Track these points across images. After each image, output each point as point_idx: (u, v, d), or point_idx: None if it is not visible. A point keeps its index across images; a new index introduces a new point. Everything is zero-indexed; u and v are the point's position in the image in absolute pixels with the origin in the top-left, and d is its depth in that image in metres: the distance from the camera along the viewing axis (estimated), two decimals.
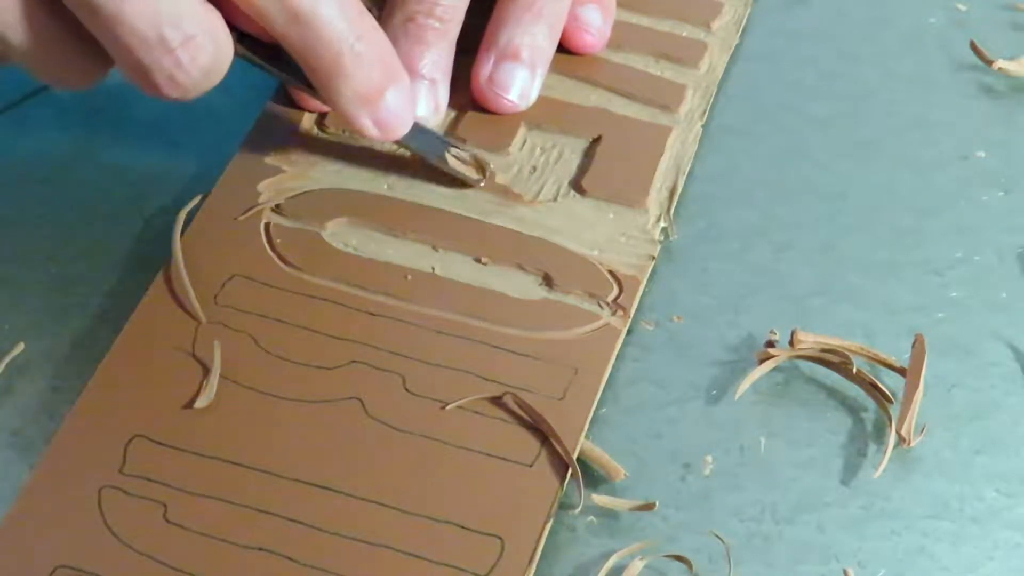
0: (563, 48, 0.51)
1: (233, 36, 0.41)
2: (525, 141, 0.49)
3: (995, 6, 0.57)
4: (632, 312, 0.44)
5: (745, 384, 0.43)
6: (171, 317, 0.43)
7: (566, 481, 0.40)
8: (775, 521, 0.40)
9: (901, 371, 0.43)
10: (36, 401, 0.42)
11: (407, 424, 0.41)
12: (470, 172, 0.47)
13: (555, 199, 0.47)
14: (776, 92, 0.53)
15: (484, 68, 0.49)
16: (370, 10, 0.50)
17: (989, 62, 0.53)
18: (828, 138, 0.51)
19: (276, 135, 0.48)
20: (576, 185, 0.48)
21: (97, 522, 0.38)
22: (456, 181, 0.47)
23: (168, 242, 0.44)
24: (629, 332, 0.44)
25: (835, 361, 0.43)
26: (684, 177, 0.49)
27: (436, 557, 0.38)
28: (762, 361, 0.43)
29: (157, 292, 0.43)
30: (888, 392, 0.43)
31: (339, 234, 0.46)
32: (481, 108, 0.50)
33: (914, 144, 0.51)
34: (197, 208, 0.46)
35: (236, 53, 0.42)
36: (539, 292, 0.45)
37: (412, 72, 0.47)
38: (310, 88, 0.44)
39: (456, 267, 0.45)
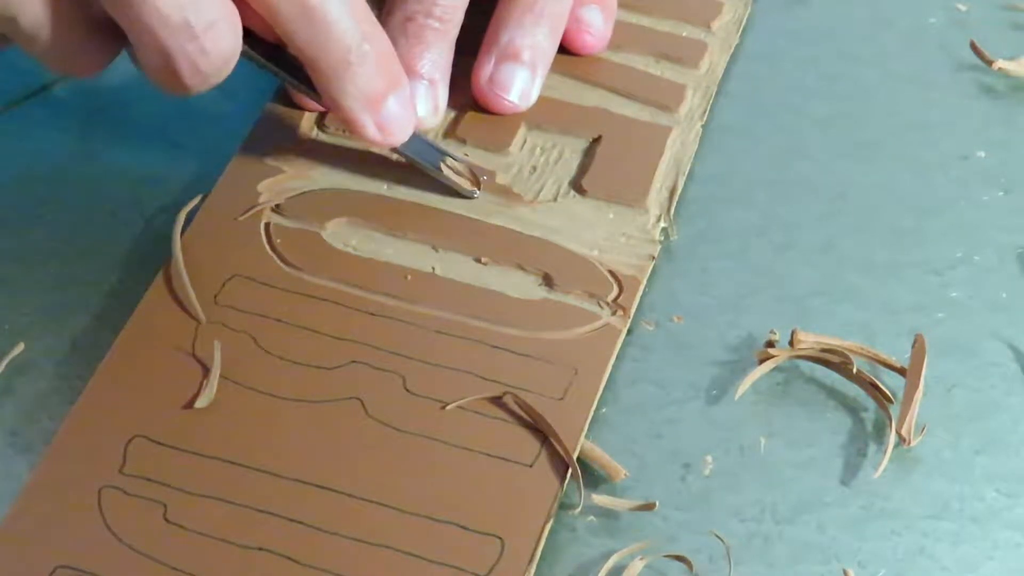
0: (564, 49, 0.51)
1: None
2: (525, 141, 0.49)
3: (995, 6, 0.57)
4: (632, 312, 0.44)
5: (745, 384, 0.43)
6: (171, 317, 0.43)
7: (566, 481, 0.40)
8: (775, 521, 0.40)
9: (901, 371, 0.43)
10: (36, 401, 0.42)
11: (407, 424, 0.41)
12: (464, 183, 0.47)
13: (555, 199, 0.47)
14: (776, 92, 0.53)
15: (485, 69, 0.49)
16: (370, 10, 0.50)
17: (989, 62, 0.54)
18: (828, 138, 0.51)
19: (276, 135, 0.48)
20: (576, 185, 0.48)
21: (97, 522, 0.38)
22: (451, 190, 0.47)
23: (168, 242, 0.44)
24: (629, 332, 0.44)
25: (835, 361, 0.43)
26: (684, 177, 0.49)
27: (436, 557, 0.38)
28: (762, 361, 0.43)
29: (157, 292, 0.43)
30: (888, 392, 0.43)
31: (339, 234, 0.46)
32: (481, 108, 0.50)
33: (914, 144, 0.51)
34: (197, 208, 0.46)
35: (241, 53, 0.42)
36: (539, 292, 0.45)
37: (411, 72, 0.47)
38: (310, 89, 0.44)
39: (456, 267, 0.45)
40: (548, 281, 0.45)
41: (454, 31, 0.48)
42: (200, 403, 0.40)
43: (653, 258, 0.46)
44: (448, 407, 0.41)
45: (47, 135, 0.50)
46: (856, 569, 0.39)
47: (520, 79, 0.49)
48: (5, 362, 0.42)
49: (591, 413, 0.41)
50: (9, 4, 0.39)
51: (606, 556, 0.39)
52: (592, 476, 0.41)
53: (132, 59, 0.42)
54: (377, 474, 0.39)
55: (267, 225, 0.46)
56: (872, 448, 0.42)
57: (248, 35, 0.43)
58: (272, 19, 0.42)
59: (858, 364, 0.43)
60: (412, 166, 0.47)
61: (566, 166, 0.49)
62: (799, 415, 0.43)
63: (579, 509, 0.40)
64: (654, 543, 0.39)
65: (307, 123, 0.49)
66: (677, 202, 0.48)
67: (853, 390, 0.43)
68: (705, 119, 0.51)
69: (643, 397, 0.43)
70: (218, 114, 0.46)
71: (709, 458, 0.41)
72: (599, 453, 0.41)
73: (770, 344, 0.44)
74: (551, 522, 0.39)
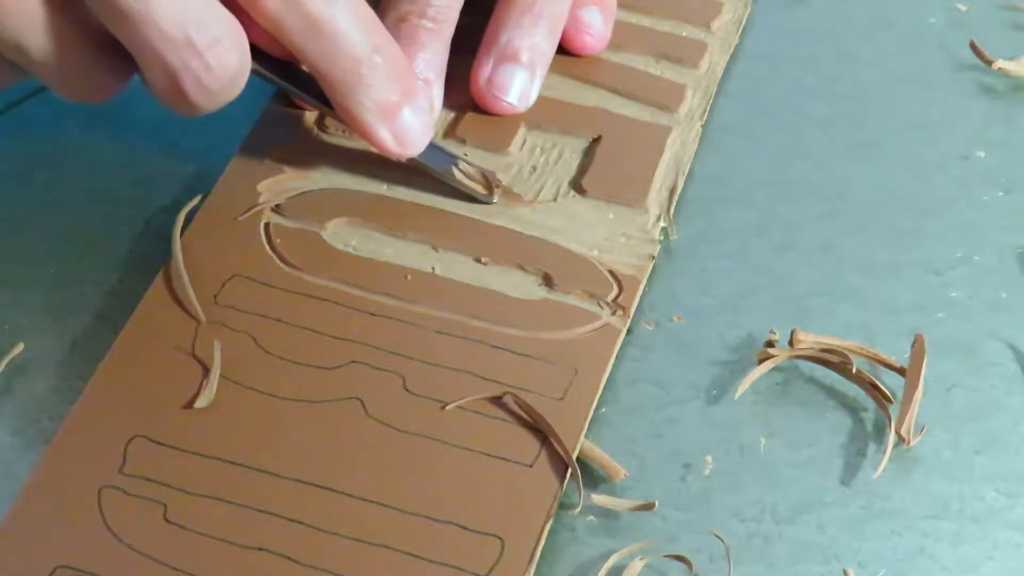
0: (563, 49, 0.51)
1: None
2: (525, 141, 0.49)
3: (995, 6, 0.57)
4: (632, 312, 0.44)
5: (745, 384, 0.43)
6: (171, 317, 0.43)
7: (566, 481, 0.40)
8: (775, 521, 0.40)
9: (901, 371, 0.43)
10: (36, 401, 0.42)
11: (407, 424, 0.41)
12: (478, 187, 0.47)
13: (555, 199, 0.47)
14: (776, 92, 0.53)
15: (483, 70, 0.49)
16: None
17: (989, 62, 0.54)
18: (828, 138, 0.51)
19: (276, 135, 0.48)
20: (576, 185, 0.48)
21: (97, 522, 0.38)
22: (464, 195, 0.47)
23: (168, 242, 0.44)
24: (629, 332, 0.44)
25: (835, 361, 0.43)
26: (684, 177, 0.49)
27: (436, 557, 0.38)
28: (762, 361, 0.43)
29: (157, 292, 0.43)
30: (888, 392, 0.43)
31: (339, 234, 0.46)
32: (481, 109, 0.49)
33: (914, 144, 0.51)
34: (197, 208, 0.46)
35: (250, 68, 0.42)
36: (539, 292, 0.45)
37: None
38: (324, 103, 0.44)
39: (456, 267, 0.45)
40: (548, 281, 0.45)
41: (449, 31, 0.48)
42: (200, 403, 0.40)
43: (653, 258, 0.46)
44: (448, 407, 0.41)
45: (47, 135, 0.50)
46: (856, 569, 0.39)
47: (519, 80, 0.49)
48: (5, 362, 0.42)
49: (591, 413, 0.41)
50: (16, 30, 0.40)
51: (606, 556, 0.39)
52: (592, 476, 0.41)
53: (142, 80, 0.42)
54: (377, 474, 0.39)
55: (267, 225, 0.46)
56: (872, 448, 0.42)
57: (258, 52, 0.43)
58: (279, 34, 0.42)
59: (858, 364, 0.43)
60: (415, 167, 0.47)
61: (566, 166, 0.49)
62: (799, 415, 0.43)
63: (579, 509, 0.40)
64: (654, 543, 0.39)
65: (307, 123, 0.49)
66: (677, 202, 0.48)
67: (853, 390, 0.43)
68: (705, 119, 0.51)
69: (643, 397, 0.43)
70: (218, 114, 0.46)
71: (709, 458, 0.41)
72: (599, 453, 0.41)
73: (770, 344, 0.44)
74: (551, 522, 0.39)
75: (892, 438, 0.42)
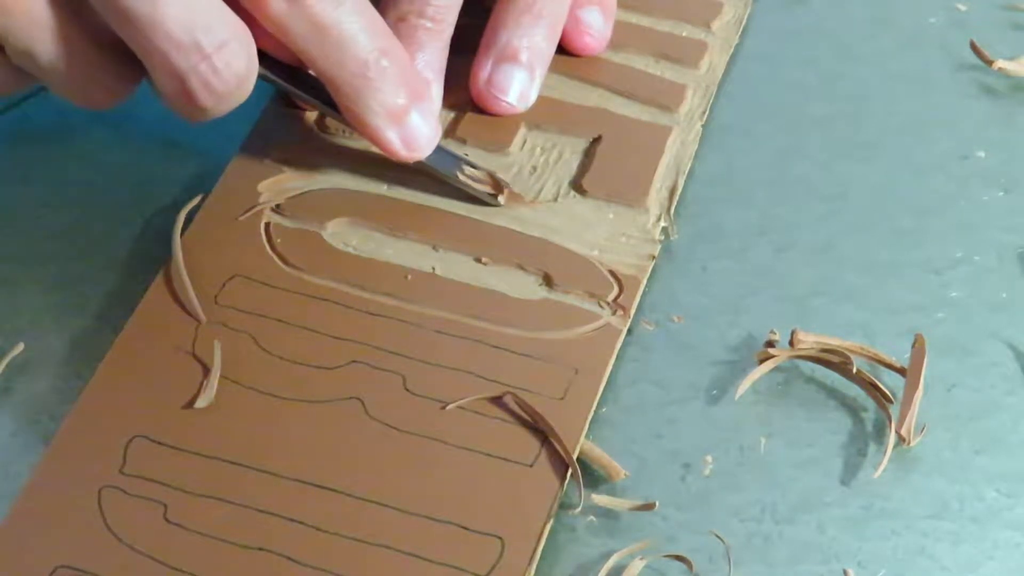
0: (563, 49, 0.51)
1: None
2: (525, 141, 0.49)
3: (995, 6, 0.57)
4: (632, 312, 0.44)
5: (745, 384, 0.43)
6: (171, 317, 0.43)
7: (566, 481, 0.40)
8: (775, 521, 0.40)
9: (901, 371, 0.43)
10: (36, 401, 0.42)
11: (407, 424, 0.41)
12: (486, 190, 0.47)
13: (555, 199, 0.47)
14: (776, 92, 0.53)
15: (483, 70, 0.49)
16: None
17: (989, 62, 0.54)
18: (828, 138, 0.51)
19: (276, 135, 0.48)
20: (576, 185, 0.48)
21: (97, 522, 0.38)
22: (473, 198, 0.47)
23: (168, 242, 0.44)
24: (629, 332, 0.44)
25: (835, 361, 0.43)
26: (684, 177, 0.49)
27: (436, 557, 0.38)
28: (762, 361, 0.43)
29: (157, 292, 0.43)
30: (888, 392, 0.43)
31: (339, 234, 0.46)
32: (481, 109, 0.49)
33: (914, 144, 0.51)
34: (197, 208, 0.46)
35: (259, 74, 0.42)
36: (539, 292, 0.45)
37: None
38: (332, 108, 0.44)
39: (456, 267, 0.45)
40: (548, 281, 0.45)
41: (448, 31, 0.48)
42: (200, 403, 0.40)
43: (653, 258, 0.46)
44: (448, 407, 0.41)
45: (47, 135, 0.50)
46: (856, 569, 0.39)
47: (518, 80, 0.49)
48: (5, 362, 0.42)
49: (591, 413, 0.41)
50: (24, 35, 0.40)
51: (606, 556, 0.39)
52: (592, 476, 0.41)
53: (151, 86, 0.42)
54: (377, 474, 0.39)
55: (267, 225, 0.46)
56: (872, 448, 0.42)
57: (266, 56, 0.43)
58: (286, 39, 0.42)
59: (858, 364, 0.43)
60: (421, 170, 0.46)
61: (566, 166, 0.49)
62: (799, 415, 0.43)
63: (579, 509, 0.40)
64: (654, 543, 0.39)
65: (307, 123, 0.49)
66: (677, 202, 0.48)
67: (853, 390, 0.43)
68: (705, 119, 0.51)
69: (643, 397, 0.43)
70: None
71: (709, 458, 0.41)
72: (599, 453, 0.41)
73: (770, 344, 0.44)
74: (551, 522, 0.39)
75: (892, 438, 0.42)
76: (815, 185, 0.50)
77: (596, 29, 0.52)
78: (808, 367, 0.44)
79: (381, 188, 0.47)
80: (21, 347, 0.43)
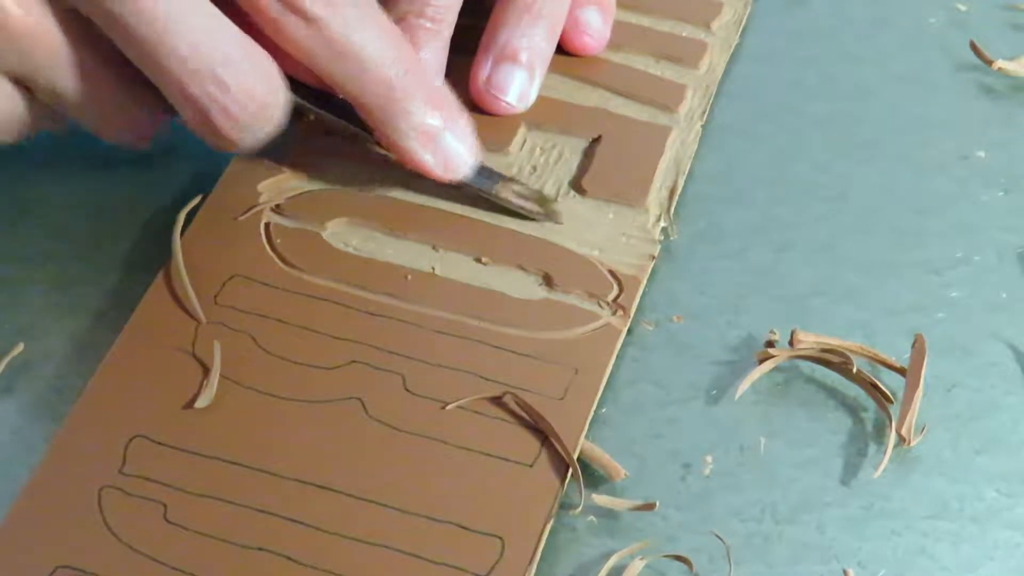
0: (563, 49, 0.51)
1: (287, 85, 0.42)
2: (525, 141, 0.49)
3: (995, 6, 0.57)
4: (632, 312, 0.44)
5: (745, 384, 0.43)
6: (171, 317, 0.43)
7: (566, 481, 0.40)
8: (775, 521, 0.40)
9: (901, 371, 0.43)
10: (36, 401, 0.42)
11: (407, 424, 0.41)
12: (528, 204, 0.46)
13: (555, 199, 0.47)
14: (776, 92, 0.53)
15: (482, 70, 0.49)
16: None
17: (989, 62, 0.54)
18: (828, 138, 0.51)
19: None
20: (576, 185, 0.48)
21: (97, 522, 0.38)
22: (512, 212, 0.46)
23: (168, 242, 0.44)
24: (629, 332, 0.44)
25: (835, 361, 0.43)
26: (684, 177, 0.49)
27: (436, 557, 0.38)
28: (762, 361, 0.43)
29: (157, 292, 0.43)
30: (888, 392, 0.43)
31: (339, 234, 0.46)
32: (480, 109, 0.49)
33: (914, 144, 0.51)
34: (197, 208, 0.46)
35: (293, 102, 0.42)
36: (539, 292, 0.45)
37: None
38: (368, 133, 0.44)
39: (456, 267, 0.45)
40: (548, 281, 0.45)
41: (447, 31, 0.48)
42: (200, 403, 0.40)
43: (653, 258, 0.46)
44: (448, 407, 0.41)
45: (47, 135, 0.50)
46: (856, 569, 0.39)
47: (518, 80, 0.49)
48: (5, 362, 0.42)
49: (591, 413, 0.41)
50: (50, 74, 0.40)
51: (606, 556, 0.39)
52: (592, 476, 0.41)
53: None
54: (377, 474, 0.39)
55: (267, 225, 0.46)
56: (872, 448, 0.42)
57: (302, 87, 0.43)
58: (309, 63, 0.42)
59: (858, 364, 0.43)
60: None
61: (566, 166, 0.49)
62: (799, 415, 0.43)
63: (579, 509, 0.40)
64: (654, 543, 0.39)
65: (307, 123, 0.49)
66: (677, 202, 0.48)
67: (853, 390, 0.43)
68: (705, 119, 0.51)
69: (643, 397, 0.43)
70: None
71: (709, 458, 0.41)
72: (599, 453, 0.41)
73: (770, 344, 0.44)
74: (551, 522, 0.39)
75: (892, 438, 0.42)
76: (815, 185, 0.50)
77: (595, 29, 0.52)
78: (808, 367, 0.44)
79: (381, 188, 0.47)
80: (21, 347, 0.43)
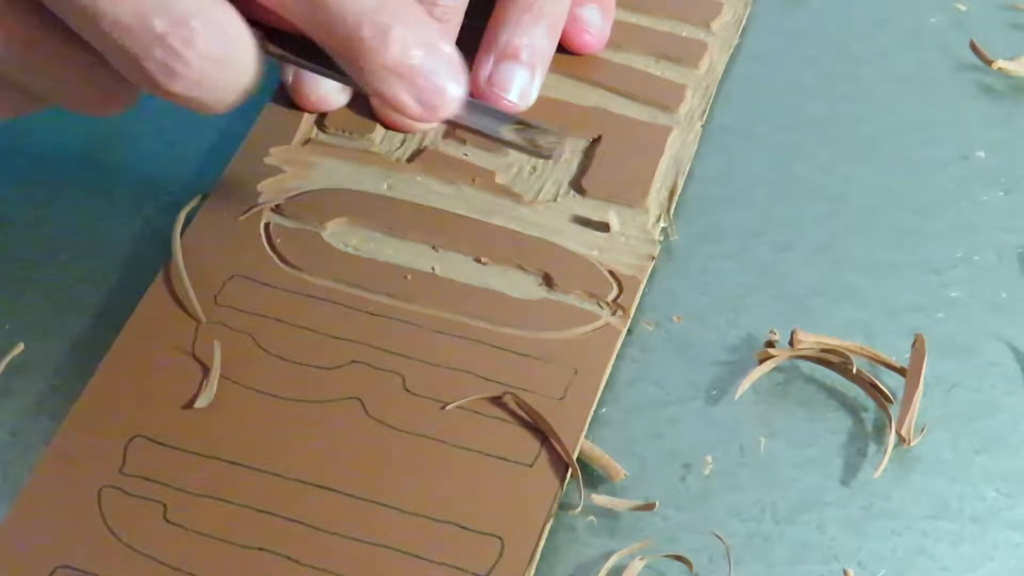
0: (563, 48, 0.51)
1: (262, 35, 0.40)
2: None
3: (995, 6, 0.57)
4: (632, 312, 0.44)
5: (745, 384, 0.43)
6: (171, 317, 0.43)
7: (566, 481, 0.40)
8: (775, 521, 0.40)
9: (901, 371, 0.43)
10: (36, 401, 0.42)
11: (407, 424, 0.41)
12: (539, 144, 0.42)
13: (555, 199, 0.47)
14: (776, 92, 0.53)
15: (483, 69, 0.49)
16: None
17: (989, 62, 0.54)
18: (828, 138, 0.51)
19: (276, 135, 0.48)
20: (576, 185, 0.48)
21: (97, 522, 0.38)
22: (530, 152, 0.42)
23: (168, 242, 0.44)
24: (629, 332, 0.44)
25: (835, 361, 0.43)
26: (684, 177, 0.49)
27: (436, 557, 0.38)
28: (762, 361, 0.43)
29: (157, 292, 0.43)
30: (888, 392, 0.43)
31: (339, 234, 0.46)
32: None
33: (914, 144, 0.51)
34: (197, 208, 0.46)
35: (268, 52, 0.41)
36: (539, 292, 0.45)
37: None
38: (347, 78, 0.42)
39: (456, 267, 0.45)
40: (548, 281, 0.45)
41: (454, 31, 0.48)
42: (200, 403, 0.40)
43: (653, 258, 0.46)
44: (448, 407, 0.41)
45: (47, 135, 0.50)
46: (856, 569, 0.39)
47: (519, 79, 0.49)
48: (5, 362, 0.42)
49: (591, 413, 0.41)
50: (8, 57, 0.39)
51: (606, 556, 0.39)
52: (592, 476, 0.41)
53: None
54: (377, 474, 0.39)
55: (267, 225, 0.46)
56: (872, 448, 0.42)
57: (278, 35, 0.41)
58: (283, 11, 0.40)
59: (858, 364, 0.43)
60: (414, 163, 0.46)
61: (566, 166, 0.49)
62: (799, 415, 0.43)
63: (579, 509, 0.40)
64: (654, 543, 0.39)
65: (307, 123, 0.49)
66: (677, 202, 0.48)
67: (853, 390, 0.43)
68: (705, 119, 0.51)
69: (643, 397, 0.43)
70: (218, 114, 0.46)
71: (709, 458, 0.41)
72: (599, 453, 0.41)
73: (770, 344, 0.44)
74: (551, 522, 0.39)
75: (892, 438, 0.42)
76: (815, 185, 0.50)
77: (595, 27, 0.52)
78: (808, 367, 0.44)
79: (381, 188, 0.47)
80: (21, 347, 0.43)
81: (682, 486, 0.41)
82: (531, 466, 0.40)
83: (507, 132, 0.42)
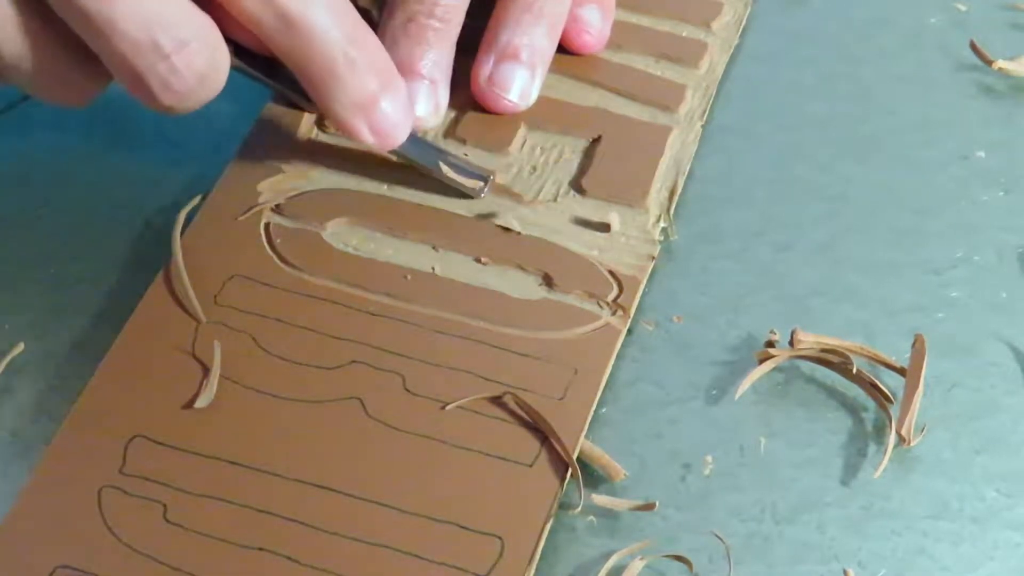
0: (563, 48, 0.51)
1: (230, 48, 0.41)
2: (525, 141, 0.49)
3: (995, 6, 0.57)
4: (632, 312, 0.44)
5: (745, 384, 0.43)
6: (171, 317, 0.43)
7: (566, 481, 0.40)
8: (775, 521, 0.40)
9: (901, 371, 0.43)
10: (36, 401, 0.42)
11: (407, 424, 0.41)
12: (467, 182, 0.47)
13: (555, 199, 0.47)
14: (776, 92, 0.53)
15: (484, 68, 0.49)
16: (370, 11, 0.50)
17: (989, 62, 0.54)
18: (828, 138, 0.51)
19: (276, 135, 0.48)
20: (576, 185, 0.48)
21: (97, 522, 0.38)
22: (457, 191, 0.47)
23: (168, 242, 0.44)
24: (629, 332, 0.44)
25: (835, 361, 0.43)
26: (684, 177, 0.49)
27: (436, 557, 0.38)
28: (762, 361, 0.43)
29: (157, 292, 0.43)
30: (888, 392, 0.43)
31: (339, 234, 0.46)
32: (481, 108, 0.49)
33: (914, 144, 0.51)
34: (197, 208, 0.46)
35: (232, 66, 0.42)
36: (539, 292, 0.45)
37: (413, 72, 0.47)
38: (307, 100, 0.44)
39: (456, 267, 0.45)
40: (548, 281, 0.45)
41: (455, 31, 0.48)
42: (200, 403, 0.40)
43: (653, 258, 0.46)
44: (448, 407, 0.41)
45: (47, 135, 0.50)
46: (856, 569, 0.39)
47: (519, 78, 0.49)
48: (5, 362, 0.42)
49: (591, 413, 0.41)
50: None
51: (606, 556, 0.39)
52: (592, 476, 0.41)
53: None
54: (377, 474, 0.39)
55: (267, 225, 0.46)
56: (872, 448, 0.42)
57: (243, 50, 0.43)
58: (256, 32, 0.42)
59: (858, 364, 0.43)
60: (399, 159, 0.46)
61: (566, 166, 0.49)
62: (799, 415, 0.43)
63: (579, 509, 0.40)
64: (654, 543, 0.39)
65: (306, 123, 0.49)
66: (677, 202, 0.48)
67: (853, 390, 0.43)
68: (705, 119, 0.51)
69: (643, 397, 0.43)
70: (218, 114, 0.46)
71: (709, 458, 0.41)
72: (599, 453, 0.41)
73: (770, 344, 0.44)
74: (551, 522, 0.39)
75: (892, 438, 0.42)
76: (815, 185, 0.50)
77: (595, 27, 0.52)
78: (808, 367, 0.44)
79: (381, 188, 0.47)
80: (21, 347, 0.43)
81: (682, 486, 0.41)
82: (531, 466, 0.40)
83: (444, 168, 0.47)
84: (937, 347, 0.44)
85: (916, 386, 0.42)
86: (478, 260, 0.45)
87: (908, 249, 0.48)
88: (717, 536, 0.39)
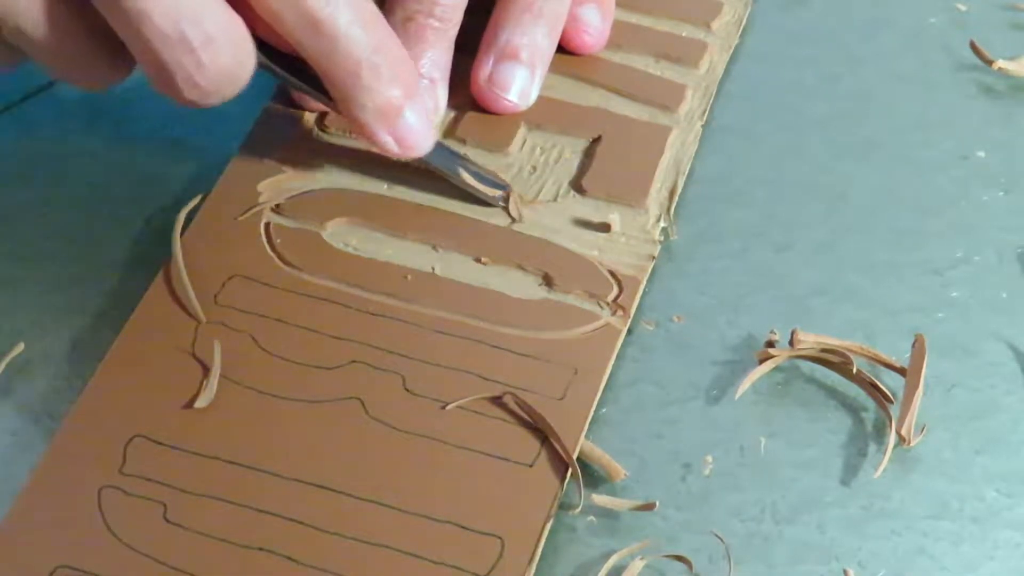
0: (563, 48, 0.51)
1: (256, 46, 0.41)
2: (525, 141, 0.49)
3: (995, 6, 0.57)
4: (632, 312, 0.44)
5: (745, 384, 0.43)
6: (171, 317, 0.43)
7: (566, 481, 0.40)
8: (775, 521, 0.40)
9: (901, 371, 0.43)
10: (36, 401, 0.42)
11: (407, 424, 0.41)
12: (486, 190, 0.47)
13: (555, 199, 0.47)
14: (776, 92, 0.53)
15: (483, 68, 0.49)
16: None
17: (989, 62, 0.54)
18: (828, 138, 0.51)
19: (276, 135, 0.48)
20: (576, 185, 0.48)
21: (97, 522, 0.38)
22: (473, 197, 0.47)
23: (168, 242, 0.44)
24: (629, 332, 0.44)
25: (835, 361, 0.43)
26: (684, 177, 0.49)
27: (436, 557, 0.38)
28: (762, 361, 0.43)
29: (157, 292, 0.43)
30: (888, 392, 0.43)
31: (339, 234, 0.46)
32: (481, 108, 0.49)
33: (914, 144, 0.51)
34: (197, 208, 0.46)
35: (257, 63, 0.42)
36: (539, 292, 0.45)
37: None
38: (331, 101, 0.44)
39: (456, 267, 0.45)
40: (548, 281, 0.45)
41: (454, 30, 0.48)
42: (200, 403, 0.40)
43: (653, 258, 0.46)
44: (448, 407, 0.41)
45: (48, 135, 0.50)
46: (856, 569, 0.39)
47: (519, 78, 0.49)
48: (5, 362, 0.42)
49: (591, 413, 0.41)
50: (15, 13, 0.39)
51: (606, 556, 0.39)
52: (592, 476, 0.41)
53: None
54: (377, 474, 0.39)
55: (267, 225, 0.46)
56: (872, 448, 0.42)
57: (268, 48, 0.43)
58: (282, 31, 0.42)
59: (858, 364, 0.43)
60: (416, 167, 0.47)
61: (566, 166, 0.49)
62: (799, 415, 0.43)
63: (579, 509, 0.40)
64: (654, 543, 0.39)
65: (307, 123, 0.49)
66: (677, 202, 0.48)
67: (853, 390, 0.43)
68: (705, 119, 0.51)
69: (643, 397, 0.43)
70: (218, 114, 0.46)
71: (709, 458, 0.41)
72: (599, 453, 0.41)
73: (770, 344, 0.44)
74: (551, 522, 0.39)
75: (892, 438, 0.42)
76: (815, 185, 0.50)
77: (594, 27, 0.52)
78: (808, 367, 0.44)
79: (381, 188, 0.47)
80: (21, 347, 0.43)
81: (682, 486, 0.41)
82: (531, 466, 0.40)
83: (464, 175, 0.46)
84: (937, 347, 0.44)
85: (916, 386, 0.42)
86: (478, 260, 0.45)
87: (908, 249, 0.48)
88: (717, 536, 0.39)
